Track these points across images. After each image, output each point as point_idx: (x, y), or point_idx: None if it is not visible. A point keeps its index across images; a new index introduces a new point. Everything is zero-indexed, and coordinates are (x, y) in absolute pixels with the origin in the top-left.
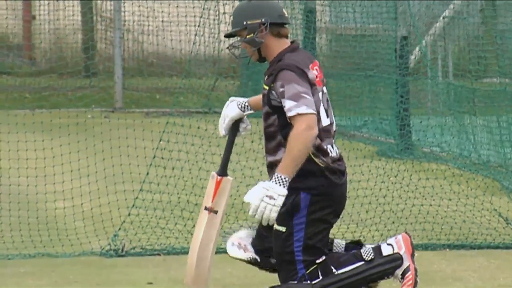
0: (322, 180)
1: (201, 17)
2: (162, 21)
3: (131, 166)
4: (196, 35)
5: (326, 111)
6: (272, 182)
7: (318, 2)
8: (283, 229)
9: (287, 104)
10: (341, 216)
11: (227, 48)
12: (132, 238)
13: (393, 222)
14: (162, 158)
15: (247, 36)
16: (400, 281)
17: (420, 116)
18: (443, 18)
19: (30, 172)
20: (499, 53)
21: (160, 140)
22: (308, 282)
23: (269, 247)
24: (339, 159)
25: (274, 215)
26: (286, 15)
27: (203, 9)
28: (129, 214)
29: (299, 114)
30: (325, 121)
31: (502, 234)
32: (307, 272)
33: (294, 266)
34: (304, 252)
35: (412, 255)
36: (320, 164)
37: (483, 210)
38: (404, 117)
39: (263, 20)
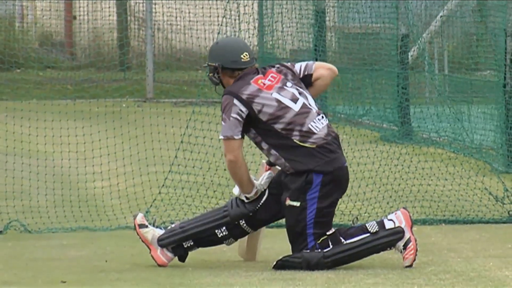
0: (318, 160)
1: (223, 17)
2: (189, 21)
3: (161, 150)
4: (218, 33)
5: (295, 100)
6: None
7: (327, 3)
8: (297, 203)
9: None
10: (348, 194)
11: (208, 76)
12: (162, 214)
13: (395, 200)
14: (189, 143)
15: (209, 74)
16: (401, 252)
17: (419, 106)
18: (440, 17)
19: (71, 155)
20: (490, 49)
21: (187, 127)
22: (320, 250)
23: None
24: (329, 133)
25: None
26: (244, 59)
27: (225, 10)
28: (159, 193)
29: (221, 140)
30: (295, 108)
31: (492, 211)
32: (318, 242)
33: (305, 237)
34: (315, 225)
35: (411, 228)
36: (310, 146)
37: (475, 189)
38: (405, 107)
39: (216, 64)
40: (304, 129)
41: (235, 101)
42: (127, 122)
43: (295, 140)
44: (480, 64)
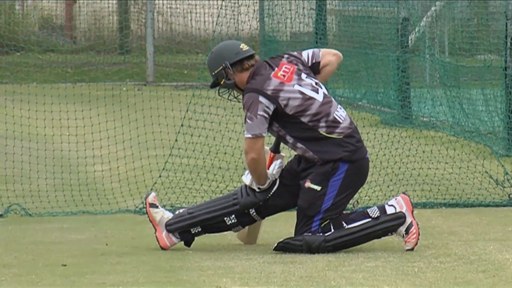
0: (346, 148)
1: (223, 0)
2: (189, 4)
3: (162, 133)
4: (218, 16)
5: (316, 90)
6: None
7: None
8: (318, 187)
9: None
10: None
11: (219, 95)
12: (162, 197)
13: (395, 183)
14: (189, 126)
15: (221, 83)
16: (403, 237)
17: (419, 89)
18: (440, 0)
19: (71, 138)
20: (490, 33)
21: (187, 110)
22: (321, 234)
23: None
24: (352, 122)
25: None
26: (245, 48)
27: None
28: (160, 176)
29: (246, 138)
30: (319, 98)
31: (492, 194)
32: (321, 226)
33: (311, 221)
34: (327, 211)
35: (412, 212)
36: (337, 136)
37: (475, 172)
38: (404, 90)
39: (223, 65)
40: (330, 118)
41: (261, 98)
42: (127, 106)
43: (321, 132)
44: (480, 47)
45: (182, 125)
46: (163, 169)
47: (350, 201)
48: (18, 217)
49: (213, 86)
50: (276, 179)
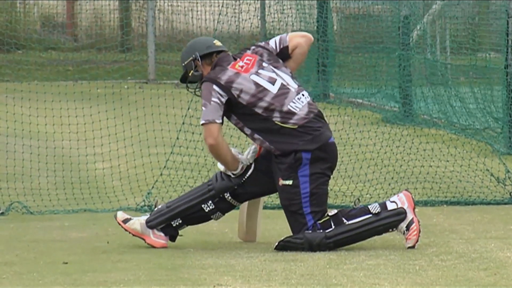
0: (302, 138)
1: None
2: (190, 2)
3: (163, 131)
4: (219, 14)
5: (272, 81)
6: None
7: None
8: (289, 182)
9: None
10: (350, 176)
11: (187, 90)
12: (163, 195)
13: (396, 181)
14: (190, 124)
15: (190, 74)
16: (404, 233)
17: (421, 87)
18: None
19: (72, 136)
20: (491, 31)
21: (188, 108)
22: (321, 231)
23: None
24: (310, 111)
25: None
26: (218, 44)
27: None
28: (161, 174)
29: (201, 125)
30: (274, 89)
31: (493, 192)
32: (320, 222)
33: (303, 217)
34: (311, 203)
35: (414, 209)
36: (292, 127)
37: (476, 170)
38: (406, 88)
39: (193, 56)
40: (284, 110)
41: (214, 87)
42: (128, 103)
43: (276, 122)
44: (482, 45)
45: (183, 123)
46: (164, 167)
47: (351, 199)
48: (19, 215)
49: (183, 80)
50: (251, 164)
